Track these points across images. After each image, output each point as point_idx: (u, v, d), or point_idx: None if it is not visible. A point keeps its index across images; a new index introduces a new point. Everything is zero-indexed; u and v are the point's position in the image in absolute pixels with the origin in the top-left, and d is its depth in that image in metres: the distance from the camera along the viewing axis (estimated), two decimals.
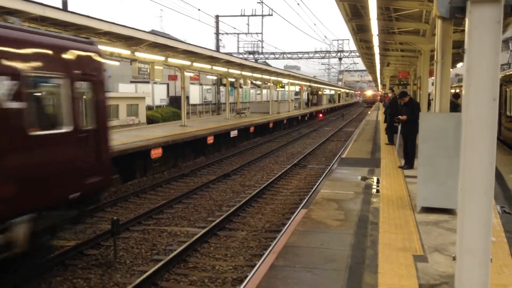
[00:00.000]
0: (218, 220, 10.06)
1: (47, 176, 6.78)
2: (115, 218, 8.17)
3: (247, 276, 6.54)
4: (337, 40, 76.53)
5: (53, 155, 6.90)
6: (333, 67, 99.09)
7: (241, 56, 43.17)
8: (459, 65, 27.73)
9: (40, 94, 7.09)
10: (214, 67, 25.57)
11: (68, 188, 7.19)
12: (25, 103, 6.31)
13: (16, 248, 6.25)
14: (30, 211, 6.43)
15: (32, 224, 6.44)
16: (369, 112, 50.96)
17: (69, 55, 7.34)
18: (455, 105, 12.77)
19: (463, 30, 4.18)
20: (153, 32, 25.08)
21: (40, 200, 6.64)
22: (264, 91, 56.70)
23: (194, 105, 38.95)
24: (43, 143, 6.72)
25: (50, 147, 6.87)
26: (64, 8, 20.52)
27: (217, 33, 41.22)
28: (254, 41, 46.19)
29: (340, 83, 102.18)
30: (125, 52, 16.99)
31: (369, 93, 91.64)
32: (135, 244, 9.01)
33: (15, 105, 6.15)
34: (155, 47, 18.32)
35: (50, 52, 7.00)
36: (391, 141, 17.45)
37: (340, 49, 58.04)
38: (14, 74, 6.16)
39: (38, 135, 6.59)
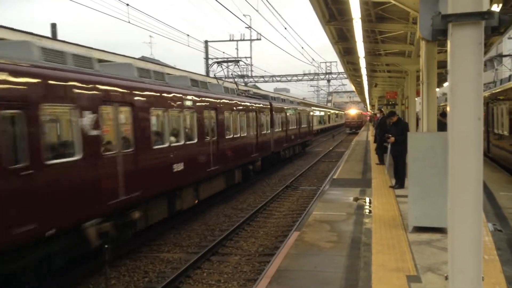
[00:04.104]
0: (211, 246, 10.00)
1: (303, 134, 32.34)
2: (106, 246, 8.05)
3: None
4: (325, 62, 77.19)
5: (305, 131, 33.51)
6: (322, 89, 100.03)
7: (231, 80, 43.38)
8: (446, 84, 28.14)
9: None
10: None
11: (307, 137, 34.02)
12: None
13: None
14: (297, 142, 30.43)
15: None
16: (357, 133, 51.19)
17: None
18: (442, 124, 12.89)
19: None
20: (143, 59, 25.28)
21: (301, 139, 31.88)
22: None
23: None
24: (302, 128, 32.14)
25: (304, 130, 32.68)
26: (54, 37, 20.63)
27: (207, 58, 41.54)
28: (244, 65, 46.56)
29: (329, 104, 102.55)
30: None
31: (352, 112, 67.42)
32: (126, 271, 8.89)
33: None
34: None
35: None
36: (381, 161, 17.53)
37: (329, 71, 58.69)
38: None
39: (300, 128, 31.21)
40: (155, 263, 9.40)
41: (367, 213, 9.74)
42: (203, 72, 38.56)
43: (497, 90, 16.12)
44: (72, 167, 7.60)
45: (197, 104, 12.79)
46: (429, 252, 6.83)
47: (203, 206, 14.13)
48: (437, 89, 13.97)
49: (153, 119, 10.40)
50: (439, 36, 4.38)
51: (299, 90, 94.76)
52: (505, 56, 30.50)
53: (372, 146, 24.57)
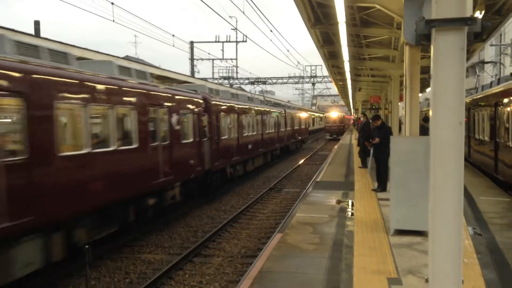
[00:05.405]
0: (193, 247, 9.95)
1: (303, 133, 42.47)
2: (87, 246, 7.96)
3: None
4: (310, 65, 77.07)
5: (304, 130, 43.94)
6: (307, 92, 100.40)
7: (216, 81, 43.37)
8: (429, 89, 28.50)
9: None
10: None
11: (304, 135, 43.97)
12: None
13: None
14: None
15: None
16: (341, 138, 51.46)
17: None
18: (425, 129, 13.04)
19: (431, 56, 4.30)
20: (127, 58, 25.07)
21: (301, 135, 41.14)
22: None
23: None
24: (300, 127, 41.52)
25: (303, 129, 42.52)
26: (37, 34, 20.32)
27: (192, 59, 41.39)
28: (229, 67, 46.46)
29: (314, 107, 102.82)
30: None
31: (334, 115, 59.00)
32: (107, 272, 8.79)
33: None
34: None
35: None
36: (364, 164, 17.65)
37: (313, 74, 58.88)
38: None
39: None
40: (136, 264, 9.32)
41: (349, 215, 9.79)
42: (187, 72, 38.48)
43: (479, 96, 16.38)
44: (228, 140, 17.47)
45: (254, 111, 22.78)
46: (410, 255, 6.90)
47: (186, 208, 14.07)
48: (420, 94, 14.11)
49: (243, 120, 20.19)
50: (422, 41, 4.41)
51: (284, 93, 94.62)
52: (487, 62, 31.02)
53: (355, 149, 24.75)
